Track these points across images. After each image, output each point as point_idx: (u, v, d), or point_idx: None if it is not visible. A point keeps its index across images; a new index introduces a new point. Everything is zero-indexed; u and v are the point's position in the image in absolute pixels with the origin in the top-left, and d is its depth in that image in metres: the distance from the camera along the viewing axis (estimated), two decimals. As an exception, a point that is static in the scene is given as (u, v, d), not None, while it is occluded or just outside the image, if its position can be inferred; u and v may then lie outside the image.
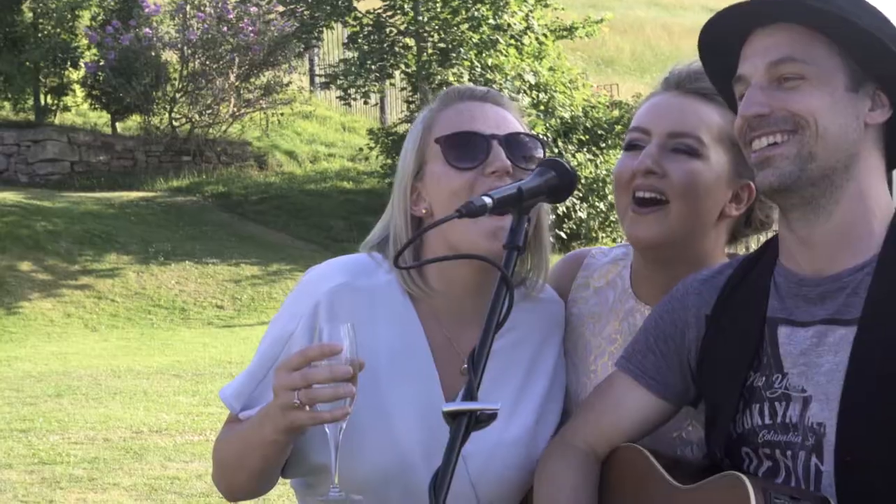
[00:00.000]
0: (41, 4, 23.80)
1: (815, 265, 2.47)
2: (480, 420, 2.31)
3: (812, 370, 2.44)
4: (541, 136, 2.84)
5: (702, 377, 2.61)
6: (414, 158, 2.83)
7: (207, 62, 24.44)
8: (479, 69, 23.29)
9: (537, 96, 24.23)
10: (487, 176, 2.73)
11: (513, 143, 2.77)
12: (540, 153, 2.83)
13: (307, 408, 2.44)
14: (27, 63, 23.84)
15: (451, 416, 2.30)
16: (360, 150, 25.53)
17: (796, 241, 2.50)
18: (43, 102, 24.70)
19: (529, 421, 2.86)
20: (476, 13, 23.23)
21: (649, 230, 2.82)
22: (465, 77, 22.79)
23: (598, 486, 2.65)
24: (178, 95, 24.65)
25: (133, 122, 25.37)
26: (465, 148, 2.75)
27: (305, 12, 24.05)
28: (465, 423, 2.29)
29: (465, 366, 2.53)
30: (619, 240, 25.00)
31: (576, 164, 24.04)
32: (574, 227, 24.31)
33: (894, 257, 2.43)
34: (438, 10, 23.30)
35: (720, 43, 2.55)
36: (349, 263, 2.86)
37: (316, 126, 27.62)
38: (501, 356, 2.78)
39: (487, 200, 2.39)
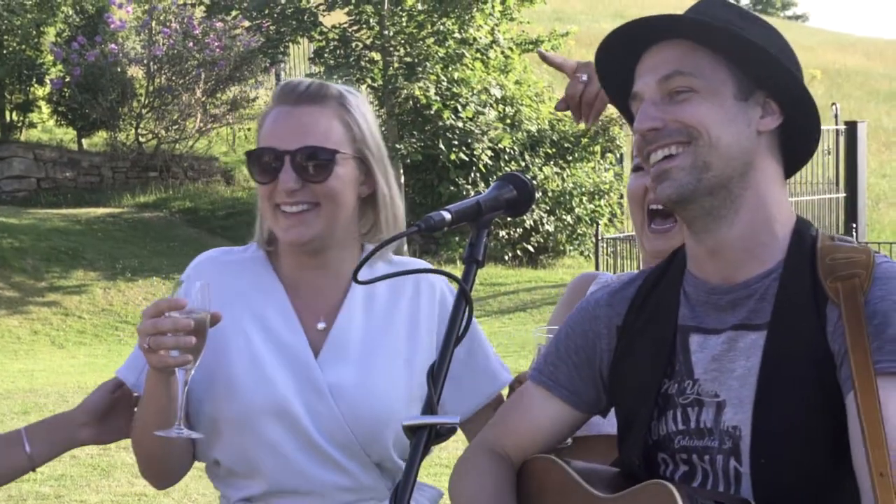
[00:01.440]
0: (6, 21, 23.73)
1: (723, 273, 2.52)
2: (440, 433, 2.33)
3: (724, 375, 2.49)
4: (333, 149, 3.01)
5: (613, 387, 2.66)
6: None
7: (173, 77, 24.43)
8: (445, 83, 23.34)
9: (504, 110, 24.30)
10: (279, 191, 2.98)
11: (302, 157, 2.97)
12: (327, 161, 2.99)
13: (160, 353, 2.77)
14: (-8, 80, 23.79)
15: (411, 430, 2.33)
16: (328, 164, 25.48)
17: (703, 252, 2.55)
18: (8, 119, 24.62)
19: (396, 365, 3.06)
20: (442, 27, 23.26)
21: (668, 244, 3.08)
22: (432, 91, 22.84)
23: (516, 496, 2.67)
24: (144, 111, 24.62)
25: (99, 138, 25.31)
26: (261, 165, 3.01)
27: (271, 27, 24.04)
28: (424, 437, 2.31)
29: (321, 325, 3.02)
30: (585, 252, 25.06)
31: (542, 177, 24.10)
32: (542, 240, 24.37)
33: (798, 262, 2.49)
34: (404, 24, 23.33)
35: (614, 65, 2.62)
36: (219, 248, 3.21)
37: (283, 141, 27.61)
38: (371, 319, 3.08)
39: (447, 216, 2.43)
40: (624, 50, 2.57)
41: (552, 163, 24.82)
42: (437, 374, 2.37)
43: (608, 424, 2.95)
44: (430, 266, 2.95)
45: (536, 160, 24.53)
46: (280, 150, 2.98)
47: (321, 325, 3.04)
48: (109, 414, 3.13)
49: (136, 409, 3.06)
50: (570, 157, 25.01)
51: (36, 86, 24.42)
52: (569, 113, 3.39)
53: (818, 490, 2.42)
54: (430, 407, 2.34)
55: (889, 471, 2.27)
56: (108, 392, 3.14)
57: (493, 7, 23.53)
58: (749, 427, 2.44)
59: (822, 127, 24.04)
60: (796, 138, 2.55)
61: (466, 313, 2.40)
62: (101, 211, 23.24)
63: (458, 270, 2.76)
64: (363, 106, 3.09)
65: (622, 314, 2.66)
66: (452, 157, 22.82)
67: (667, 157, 2.48)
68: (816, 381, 2.40)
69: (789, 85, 2.49)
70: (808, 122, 2.53)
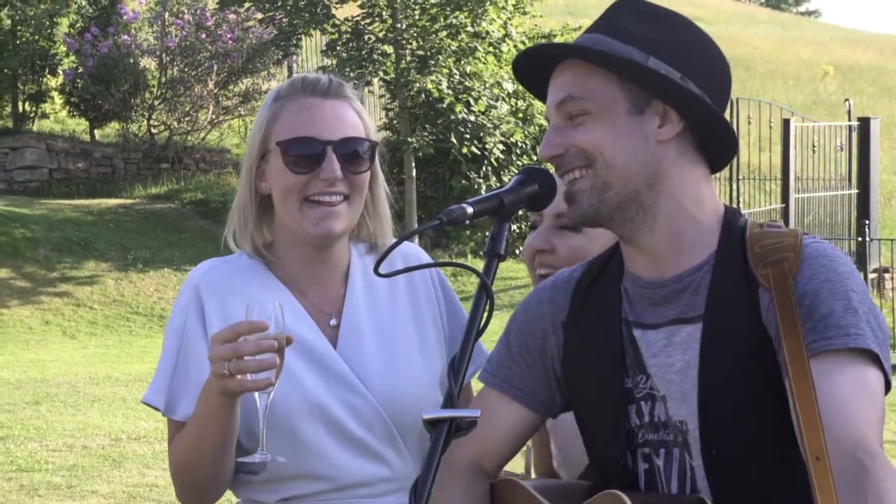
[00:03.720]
0: (19, 11, 23.76)
1: (655, 269, 2.55)
2: (461, 427, 2.33)
3: (663, 370, 2.51)
4: (372, 139, 3.06)
5: (571, 384, 2.66)
6: (259, 144, 3.05)
7: (186, 69, 24.44)
8: (457, 76, 23.32)
9: (516, 104, 24.28)
10: (320, 181, 2.96)
11: (345, 148, 2.98)
12: (367, 153, 3.04)
13: (238, 377, 2.70)
14: (5, 70, 23.80)
15: (431, 424, 2.32)
16: (339, 157, 25.47)
17: (632, 253, 2.58)
18: (21, 109, 24.66)
19: (412, 347, 3.09)
20: (454, 21, 23.25)
21: None
22: (444, 84, 22.83)
23: None
24: (156, 102, 24.63)
25: (111, 129, 25.34)
26: (302, 153, 2.97)
27: (284, 20, 24.04)
28: (445, 431, 2.31)
29: (332, 321, 3.03)
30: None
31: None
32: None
33: (729, 253, 2.51)
34: (417, 17, 23.31)
35: (533, 84, 2.65)
36: (216, 259, 3.16)
37: (295, 133, 27.59)
38: (376, 308, 3.10)
39: (468, 209, 2.42)
40: (536, 73, 2.61)
41: (564, 157, 24.81)
42: (457, 368, 2.36)
43: None
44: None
45: (548, 154, 24.51)
46: (322, 140, 2.97)
47: (333, 322, 3.06)
48: None
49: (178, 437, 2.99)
50: (582, 152, 24.99)
51: (49, 76, 24.45)
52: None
53: (774, 478, 2.43)
54: (450, 400, 2.33)
55: (825, 455, 2.26)
56: None
57: (505, 0, 23.52)
58: (696, 421, 2.46)
59: (835, 123, 23.92)
60: (710, 136, 2.55)
61: (487, 307, 2.40)
62: (112, 202, 23.27)
63: (469, 264, 2.78)
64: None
65: (565, 309, 2.67)
66: (464, 150, 22.81)
67: (571, 182, 2.53)
68: (757, 368, 2.43)
69: (677, 93, 2.49)
70: (709, 122, 2.53)
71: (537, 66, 2.60)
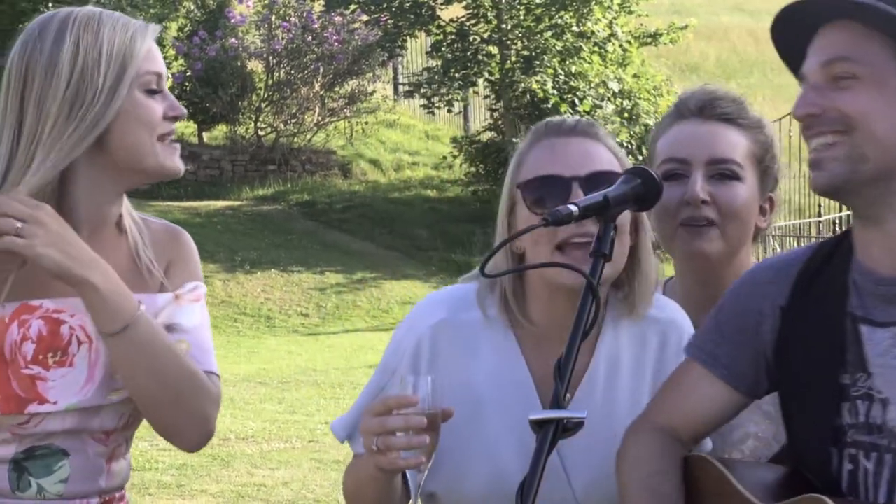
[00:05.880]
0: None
1: (893, 263, 2.40)
2: (567, 428, 2.31)
3: (889, 372, 2.38)
4: (623, 172, 2.68)
5: (782, 371, 2.54)
6: (507, 196, 2.83)
7: (292, 71, 24.61)
8: (562, 77, 23.27)
9: (621, 104, 24.17)
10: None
11: (593, 182, 2.70)
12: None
13: (389, 455, 2.53)
14: (115, 74, 24.11)
15: (538, 425, 2.31)
16: (444, 158, 25.58)
17: (870, 241, 2.43)
18: (131, 113, 24.96)
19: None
20: (559, 21, 23.21)
21: (707, 245, 2.95)
22: (549, 84, 22.78)
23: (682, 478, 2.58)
24: (263, 105, 24.83)
25: (219, 131, 25.59)
26: (545, 194, 2.73)
27: (389, 21, 24.16)
28: (551, 432, 2.30)
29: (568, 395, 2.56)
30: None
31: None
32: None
33: None
34: (522, 17, 23.31)
35: (790, 38, 2.48)
36: (451, 298, 2.89)
37: (400, 134, 27.69)
38: (614, 388, 2.82)
39: (574, 209, 2.40)
40: (799, 25, 2.44)
41: (670, 157, 24.64)
42: (563, 369, 2.35)
43: None
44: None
45: (654, 154, 24.37)
46: (566, 177, 2.72)
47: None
48: None
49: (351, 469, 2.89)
50: (688, 151, 24.80)
51: (158, 80, 24.74)
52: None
53: None
54: (556, 401, 2.32)
55: None
56: None
57: (611, 0, 23.43)
58: None
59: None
60: None
61: (594, 308, 2.38)
62: (220, 203, 23.49)
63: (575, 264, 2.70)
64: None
65: (785, 294, 2.53)
66: (569, 150, 22.75)
67: (823, 146, 2.37)
68: None
69: None
70: None
71: (804, 18, 2.42)
